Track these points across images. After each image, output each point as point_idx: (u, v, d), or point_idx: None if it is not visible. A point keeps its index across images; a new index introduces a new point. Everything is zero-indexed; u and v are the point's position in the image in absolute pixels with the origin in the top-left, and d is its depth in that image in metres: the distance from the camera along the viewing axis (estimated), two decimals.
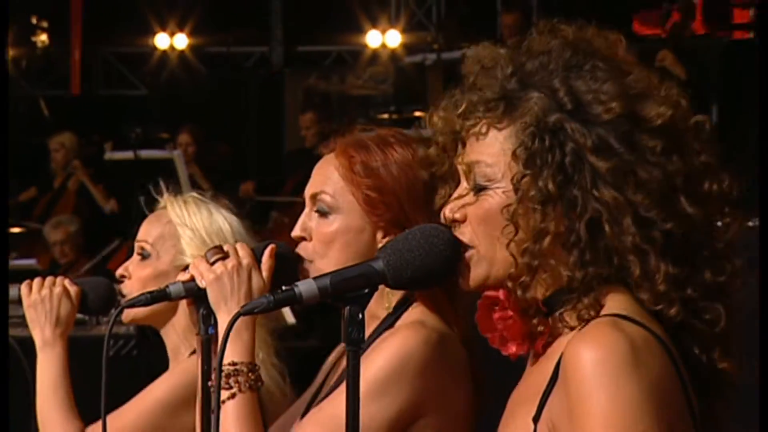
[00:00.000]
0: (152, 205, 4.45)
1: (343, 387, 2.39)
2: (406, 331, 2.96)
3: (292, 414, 3.48)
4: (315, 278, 2.27)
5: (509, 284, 2.09)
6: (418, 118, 13.80)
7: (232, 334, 2.63)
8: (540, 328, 2.09)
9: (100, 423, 3.55)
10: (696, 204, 2.02)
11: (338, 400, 2.57)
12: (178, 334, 4.32)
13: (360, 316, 2.18)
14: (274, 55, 19.34)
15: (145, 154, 13.05)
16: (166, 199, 4.35)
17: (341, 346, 3.16)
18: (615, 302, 1.98)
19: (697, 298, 1.97)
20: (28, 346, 5.48)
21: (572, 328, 2.03)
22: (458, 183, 2.25)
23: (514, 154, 2.05)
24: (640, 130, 2.00)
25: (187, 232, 4.19)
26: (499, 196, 2.07)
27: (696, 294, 1.97)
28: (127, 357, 8.10)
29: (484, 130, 2.09)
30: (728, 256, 2.06)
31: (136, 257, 4.38)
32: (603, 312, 1.98)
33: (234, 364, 3.11)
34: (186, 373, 4.08)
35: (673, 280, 1.95)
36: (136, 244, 4.44)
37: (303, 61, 18.78)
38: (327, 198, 3.12)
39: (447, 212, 2.23)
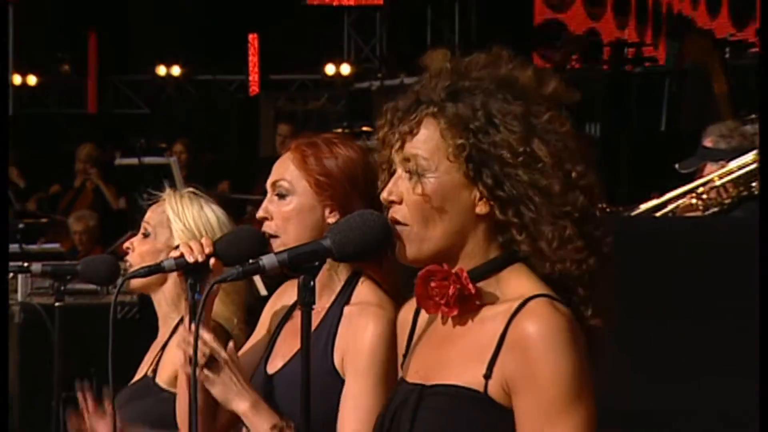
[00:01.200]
0: (155, 199, 4.38)
1: (357, 382, 2.56)
2: (374, 315, 2.91)
3: (247, 356, 3.30)
4: (276, 253, 2.34)
5: (440, 258, 2.08)
6: (366, 131, 13.69)
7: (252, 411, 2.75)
8: (468, 297, 2.05)
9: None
10: (586, 196, 2.03)
11: (368, 391, 2.61)
12: (167, 301, 4.27)
13: (312, 283, 2.24)
14: (251, 81, 18.68)
15: (148, 160, 13.04)
16: (167, 193, 4.30)
17: (280, 292, 3.22)
18: (527, 279, 2.02)
19: (584, 272, 1.99)
20: (51, 313, 5.29)
21: (496, 301, 2.06)
22: (393, 173, 2.19)
23: (447, 149, 2.04)
24: (532, 150, 2.00)
25: (179, 224, 4.15)
26: (431, 183, 2.05)
27: (584, 269, 1.99)
28: (131, 320, 7.95)
29: (416, 127, 2.07)
30: (603, 239, 2.07)
31: (140, 235, 4.33)
32: (529, 292, 1.99)
33: (275, 426, 2.90)
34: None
35: (571, 257, 1.98)
36: (142, 224, 4.36)
37: (274, 87, 18.50)
38: (285, 184, 3.10)
39: (385, 194, 2.17)
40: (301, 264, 2.21)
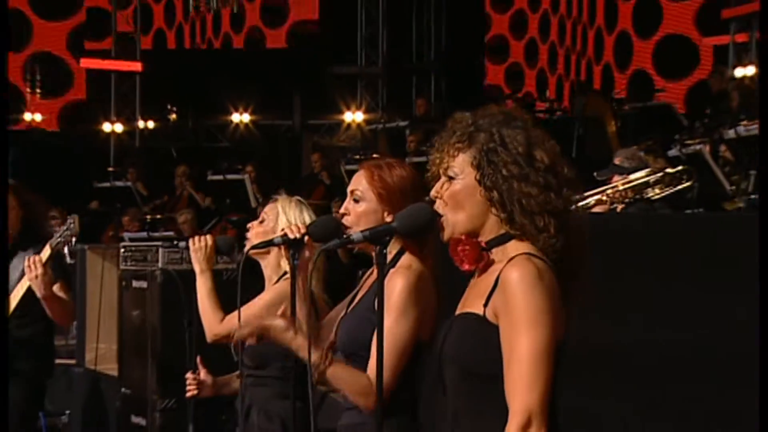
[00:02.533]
0: (273, 198, 4.72)
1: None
2: (402, 274, 3.16)
3: (332, 316, 3.63)
4: (361, 231, 2.59)
5: (465, 236, 2.26)
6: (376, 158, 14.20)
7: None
8: (483, 257, 2.25)
9: (233, 314, 4.09)
10: (559, 196, 2.18)
11: (393, 324, 2.72)
12: (271, 267, 4.47)
13: (384, 251, 2.49)
14: (296, 124, 19.17)
15: (229, 176, 13.62)
16: (282, 196, 4.67)
17: (369, 271, 3.40)
18: (524, 246, 2.15)
19: (557, 247, 2.13)
20: (184, 277, 5.85)
21: (500, 261, 2.20)
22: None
23: (471, 163, 2.24)
24: (532, 159, 2.18)
25: (284, 217, 4.39)
26: (457, 185, 2.25)
27: (557, 246, 2.13)
28: (234, 281, 7.33)
29: (455, 153, 2.27)
30: (573, 225, 2.20)
31: (258, 221, 4.60)
32: (519, 251, 2.14)
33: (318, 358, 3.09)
34: (280, 289, 4.25)
35: (545, 239, 2.14)
36: (261, 214, 4.67)
37: (311, 128, 18.65)
38: (359, 192, 3.31)
39: (433, 192, 2.39)
40: (378, 239, 2.42)
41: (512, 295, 2.03)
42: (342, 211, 3.33)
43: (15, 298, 5.47)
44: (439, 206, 2.25)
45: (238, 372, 4.37)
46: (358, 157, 12.70)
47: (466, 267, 2.25)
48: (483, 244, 2.20)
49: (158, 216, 13.53)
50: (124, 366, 6.89)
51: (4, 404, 4.32)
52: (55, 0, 21.36)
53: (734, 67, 15.25)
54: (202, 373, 4.43)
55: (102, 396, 7.42)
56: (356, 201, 3.26)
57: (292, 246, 3.39)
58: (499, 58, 21.05)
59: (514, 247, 2.14)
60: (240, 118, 18.86)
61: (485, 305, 2.12)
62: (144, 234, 11.41)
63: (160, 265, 6.37)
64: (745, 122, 9.07)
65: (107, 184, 15.85)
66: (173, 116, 19.77)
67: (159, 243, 6.92)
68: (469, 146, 2.22)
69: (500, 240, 2.19)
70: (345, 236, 2.74)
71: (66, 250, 5.68)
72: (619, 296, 4.38)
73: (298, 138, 18.58)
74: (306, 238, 3.41)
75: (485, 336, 2.10)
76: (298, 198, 4.56)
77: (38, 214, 6.03)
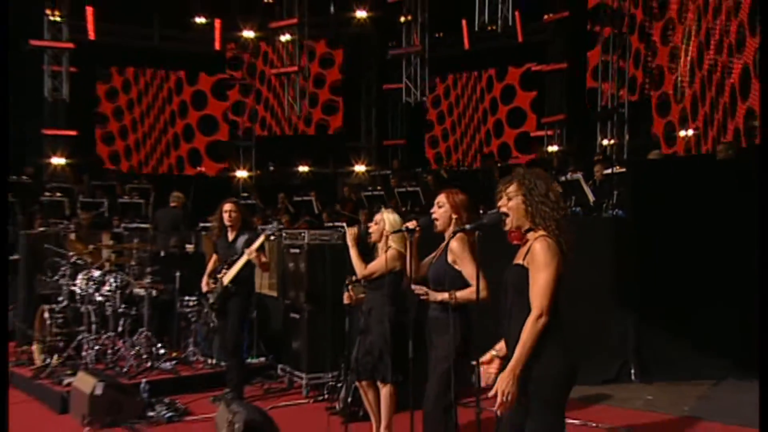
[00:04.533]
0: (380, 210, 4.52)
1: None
2: (458, 239, 3.45)
3: (425, 263, 3.72)
4: (477, 224, 2.78)
5: (515, 228, 2.56)
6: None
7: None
8: (523, 238, 2.57)
9: (370, 265, 4.43)
10: (557, 212, 2.52)
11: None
12: (382, 243, 4.41)
13: (478, 233, 2.79)
14: (333, 172, 17.46)
15: (305, 198, 12.29)
16: (384, 209, 4.56)
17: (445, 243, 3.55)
18: (540, 233, 2.48)
19: (558, 235, 2.45)
20: (317, 247, 6.28)
21: (530, 240, 2.53)
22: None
23: (518, 194, 2.58)
24: (547, 195, 2.50)
25: (390, 218, 4.37)
26: (513, 202, 2.55)
27: (557, 232, 2.45)
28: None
29: (511, 188, 2.56)
30: (563, 224, 2.50)
31: (374, 222, 4.55)
32: (538, 235, 2.50)
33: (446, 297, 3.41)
34: (390, 254, 4.30)
35: (553, 230, 2.47)
36: (375, 217, 4.59)
37: (341, 174, 17.04)
38: (440, 202, 3.56)
39: (500, 204, 2.65)
40: (478, 227, 2.75)
41: (535, 254, 2.46)
42: (434, 216, 3.58)
43: (239, 263, 5.58)
44: (504, 209, 2.65)
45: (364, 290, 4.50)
46: (368, 191, 12.36)
47: (515, 242, 2.65)
48: (522, 232, 2.59)
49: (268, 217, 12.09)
50: (282, 292, 6.87)
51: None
52: None
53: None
54: (349, 296, 4.64)
55: (267, 307, 7.24)
56: (439, 206, 3.61)
57: (410, 233, 3.58)
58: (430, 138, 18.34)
59: (535, 234, 2.54)
60: (303, 168, 17.63)
61: (523, 260, 2.53)
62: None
63: (306, 240, 6.32)
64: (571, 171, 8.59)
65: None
66: (271, 168, 18.41)
67: (305, 230, 6.88)
68: (518, 186, 2.60)
69: (530, 230, 2.56)
70: (479, 223, 2.79)
71: (272, 238, 5.81)
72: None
73: (334, 177, 17.22)
74: (418, 228, 3.59)
75: (524, 274, 2.49)
76: (391, 208, 4.71)
77: (248, 217, 6.23)
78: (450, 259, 3.38)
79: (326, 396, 5.74)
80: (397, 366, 4.09)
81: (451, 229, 3.46)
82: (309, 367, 6.03)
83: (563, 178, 7.78)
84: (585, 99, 13.65)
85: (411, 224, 3.48)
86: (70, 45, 15.46)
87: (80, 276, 6.75)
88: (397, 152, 18.07)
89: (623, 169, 7.29)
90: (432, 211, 3.52)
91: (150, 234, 9.03)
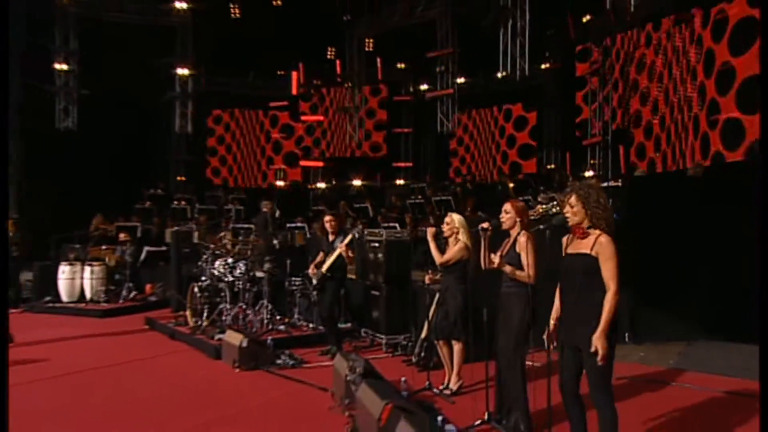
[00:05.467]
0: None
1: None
2: (526, 236, 3.35)
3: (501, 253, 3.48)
4: (547, 225, 2.70)
5: (578, 225, 2.49)
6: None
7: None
8: (585, 233, 2.49)
9: (446, 253, 4.24)
10: (606, 212, 2.49)
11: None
12: (453, 237, 4.31)
13: (548, 232, 2.70)
14: (382, 185, 16.29)
15: (361, 205, 11.75)
16: (455, 214, 4.43)
17: (514, 236, 3.44)
18: (598, 231, 2.40)
19: (608, 231, 2.38)
20: (393, 241, 6.16)
21: (589, 235, 2.46)
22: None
23: (579, 201, 2.50)
24: (599, 200, 2.45)
25: (456, 220, 4.30)
26: (574, 206, 2.47)
27: (609, 232, 2.40)
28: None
29: (574, 197, 2.49)
30: (610, 222, 2.45)
31: (445, 224, 4.38)
32: (598, 233, 2.42)
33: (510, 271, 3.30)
34: (461, 245, 4.25)
35: (604, 227, 2.41)
36: (446, 221, 4.43)
37: (390, 186, 16.15)
38: (507, 209, 3.45)
39: (565, 210, 2.59)
40: (549, 227, 2.68)
41: (604, 247, 2.44)
42: (501, 216, 3.48)
43: (334, 255, 5.61)
44: (569, 213, 2.61)
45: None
46: (410, 199, 11.73)
47: (579, 236, 2.59)
48: (584, 228, 2.57)
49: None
50: (363, 275, 6.70)
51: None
52: None
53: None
54: (429, 277, 4.55)
55: (348, 287, 6.80)
56: (506, 213, 3.52)
57: (484, 230, 3.46)
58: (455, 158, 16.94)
59: (595, 230, 2.47)
60: (357, 182, 16.69)
61: (591, 250, 2.48)
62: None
63: (384, 237, 6.18)
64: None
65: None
66: (321, 186, 17.15)
67: (383, 229, 6.69)
68: (577, 196, 2.56)
69: (588, 228, 2.55)
70: (546, 225, 2.71)
71: (356, 236, 5.72)
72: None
73: (382, 189, 15.95)
74: (489, 228, 3.44)
75: (592, 262, 2.48)
76: (462, 217, 4.45)
77: (343, 221, 6.50)
78: (518, 249, 3.38)
79: (405, 351, 5.74)
80: (466, 329, 4.16)
81: (516, 228, 3.44)
82: (387, 330, 6.05)
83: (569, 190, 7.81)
84: (574, 128, 13.32)
85: (485, 225, 3.45)
86: (192, 95, 16.18)
87: (218, 262, 6.99)
88: (427, 169, 17.78)
89: (618, 183, 7.35)
90: (500, 216, 3.50)
91: (252, 232, 9.03)
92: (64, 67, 13.57)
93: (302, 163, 17.78)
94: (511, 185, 11.59)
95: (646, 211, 6.16)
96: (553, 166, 14.21)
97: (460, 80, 14.45)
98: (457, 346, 4.27)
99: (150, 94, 14.61)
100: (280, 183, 17.61)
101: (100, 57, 13.18)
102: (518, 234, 3.39)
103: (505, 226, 3.42)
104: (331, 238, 5.76)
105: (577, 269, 2.57)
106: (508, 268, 3.27)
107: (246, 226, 9.20)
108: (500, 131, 16.10)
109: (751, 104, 7.23)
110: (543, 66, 14.21)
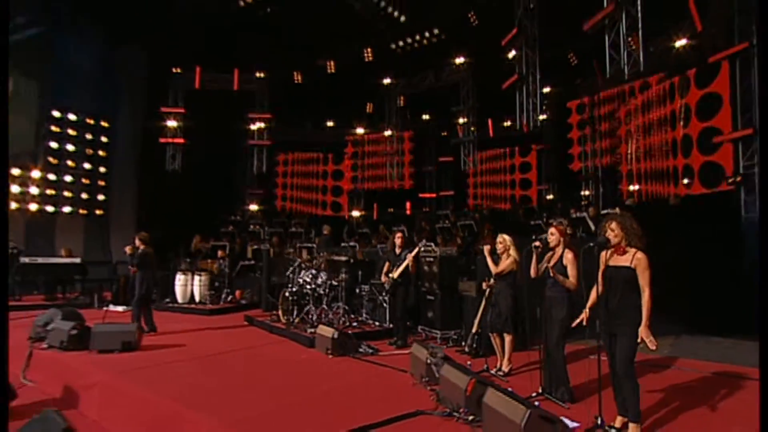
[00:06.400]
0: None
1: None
2: (571, 252, 3.32)
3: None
4: (599, 239, 2.55)
5: (618, 245, 2.38)
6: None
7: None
8: (625, 250, 2.39)
9: (500, 264, 4.12)
10: (641, 234, 2.37)
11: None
12: (506, 253, 4.18)
13: (596, 249, 2.59)
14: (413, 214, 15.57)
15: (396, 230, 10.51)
16: (505, 235, 4.24)
17: (555, 250, 3.37)
18: (634, 249, 2.29)
19: (645, 249, 2.24)
20: (443, 257, 5.97)
21: (628, 252, 2.34)
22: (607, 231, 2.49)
23: (619, 227, 2.39)
24: (633, 226, 2.31)
25: (507, 239, 4.22)
26: (614, 230, 2.36)
27: (643, 248, 2.27)
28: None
29: (614, 224, 2.35)
30: (644, 242, 2.31)
31: (498, 243, 4.22)
32: (635, 250, 2.29)
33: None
34: (512, 258, 4.13)
35: (640, 247, 2.29)
36: (499, 240, 4.28)
37: (422, 214, 15.10)
38: (553, 231, 3.38)
39: (608, 234, 2.48)
40: (596, 245, 2.49)
41: (641, 261, 2.45)
42: (549, 238, 3.39)
43: (402, 266, 5.56)
44: (610, 236, 2.61)
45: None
46: (438, 223, 10.93)
47: (619, 254, 2.55)
48: (624, 247, 2.58)
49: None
50: (420, 282, 6.34)
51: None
52: None
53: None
54: (487, 284, 4.35)
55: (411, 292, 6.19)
56: (552, 234, 3.49)
57: (535, 248, 3.43)
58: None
59: (632, 249, 2.43)
60: (391, 209, 16.23)
61: (630, 263, 2.45)
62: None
63: (438, 253, 6.07)
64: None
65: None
66: (356, 215, 16.46)
67: (437, 246, 6.62)
68: (617, 222, 2.55)
69: (628, 246, 2.56)
70: (593, 244, 2.53)
71: (422, 250, 5.67)
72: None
73: (413, 216, 15.03)
74: (540, 245, 3.43)
75: (632, 273, 2.48)
76: (512, 238, 4.26)
77: (408, 240, 6.06)
78: (564, 262, 3.49)
79: (455, 343, 5.73)
80: (515, 324, 4.33)
81: (560, 245, 3.53)
82: (441, 327, 6.07)
83: (574, 215, 7.43)
84: (568, 166, 13.22)
85: (536, 243, 3.50)
86: (267, 142, 16.60)
87: (303, 272, 7.17)
88: (449, 199, 17.57)
89: (616, 210, 7.13)
90: (548, 238, 3.56)
91: (315, 250, 8.99)
92: (173, 123, 14.52)
93: (347, 194, 17.90)
94: (521, 212, 11.63)
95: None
96: (551, 196, 14.14)
97: (466, 124, 15.28)
98: (507, 338, 4.37)
99: (234, 141, 15.54)
100: (329, 211, 17.68)
101: (200, 115, 13.94)
102: (563, 251, 3.46)
103: (552, 245, 3.55)
104: (398, 251, 5.77)
105: (619, 278, 2.69)
106: (559, 277, 3.37)
107: (308, 245, 9.15)
108: (509, 168, 15.93)
109: (711, 149, 7.52)
110: (542, 117, 14.57)
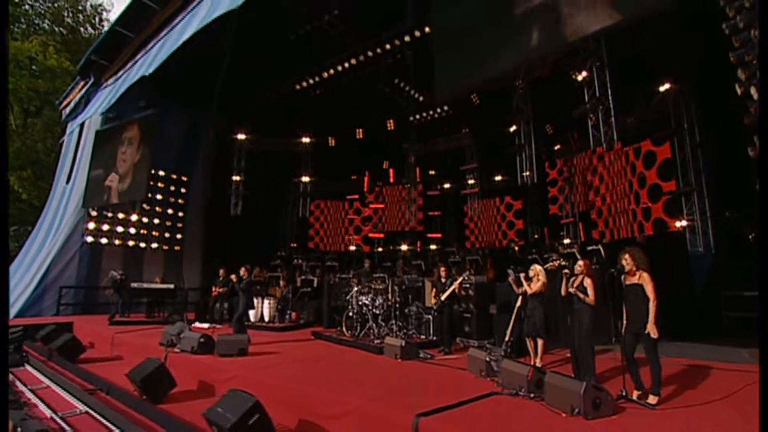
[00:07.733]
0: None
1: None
2: (647, 273, 3.11)
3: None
4: (617, 266, 2.37)
5: (631, 270, 2.09)
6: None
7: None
8: (636, 273, 2.26)
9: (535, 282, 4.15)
10: (646, 260, 2.10)
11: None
12: (544, 275, 4.16)
13: (623, 271, 2.42)
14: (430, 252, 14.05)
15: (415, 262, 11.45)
16: (536, 266, 4.18)
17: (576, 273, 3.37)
18: (642, 271, 2.09)
19: (649, 270, 1.95)
20: (478, 284, 6.09)
21: (638, 273, 2.21)
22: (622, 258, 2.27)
23: (631, 259, 2.16)
24: (641, 256, 1.97)
25: (539, 268, 4.13)
26: (629, 260, 2.12)
27: (648, 270, 1.98)
28: None
29: (628, 256, 2.03)
30: (649, 266, 1.92)
31: (532, 271, 4.27)
32: (642, 271, 2.16)
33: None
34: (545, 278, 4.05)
35: (647, 270, 2.02)
36: (533, 270, 4.27)
37: (444, 252, 13.63)
38: (580, 264, 3.25)
39: (624, 263, 2.28)
40: (617, 271, 2.49)
41: (647, 279, 2.49)
42: (623, 262, 3.18)
43: (449, 290, 5.64)
44: (625, 262, 2.62)
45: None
46: (450, 258, 10.71)
47: (632, 275, 2.53)
48: (634, 270, 2.64)
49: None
50: (458, 303, 6.32)
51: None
52: None
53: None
54: (521, 286, 4.31)
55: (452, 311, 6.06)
56: (579, 266, 3.61)
57: (566, 275, 3.58)
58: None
59: (640, 271, 2.42)
60: (404, 247, 15.13)
61: (638, 280, 2.48)
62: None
63: (474, 279, 6.08)
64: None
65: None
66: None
67: (473, 275, 6.55)
68: (630, 254, 2.56)
69: (637, 269, 2.57)
70: (615, 270, 2.33)
71: (466, 278, 5.42)
72: None
73: (425, 253, 14.16)
74: (568, 272, 3.45)
75: (641, 287, 2.50)
76: (543, 267, 4.29)
77: (453, 272, 5.94)
78: (585, 284, 3.83)
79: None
80: (546, 330, 4.66)
81: (585, 272, 3.88)
82: (477, 337, 6.37)
83: (565, 251, 7.55)
84: (549, 210, 12.52)
85: (566, 271, 3.85)
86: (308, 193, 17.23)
87: (362, 296, 7.36)
88: (453, 239, 16.35)
89: (599, 247, 7.40)
90: (576, 268, 3.86)
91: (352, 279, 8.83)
92: (237, 178, 14.50)
93: (369, 235, 17.29)
94: (517, 249, 11.71)
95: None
96: (537, 236, 13.74)
97: (471, 181, 15.70)
98: (540, 342, 4.70)
99: (283, 192, 16.07)
100: (352, 248, 16.90)
101: (257, 171, 14.58)
102: (584, 277, 3.89)
103: (577, 272, 4.03)
104: (443, 279, 6.14)
105: (633, 293, 3.15)
106: (580, 295, 3.81)
107: (345, 276, 9.03)
108: (499, 215, 15.51)
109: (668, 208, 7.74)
110: (527, 174, 15.43)
